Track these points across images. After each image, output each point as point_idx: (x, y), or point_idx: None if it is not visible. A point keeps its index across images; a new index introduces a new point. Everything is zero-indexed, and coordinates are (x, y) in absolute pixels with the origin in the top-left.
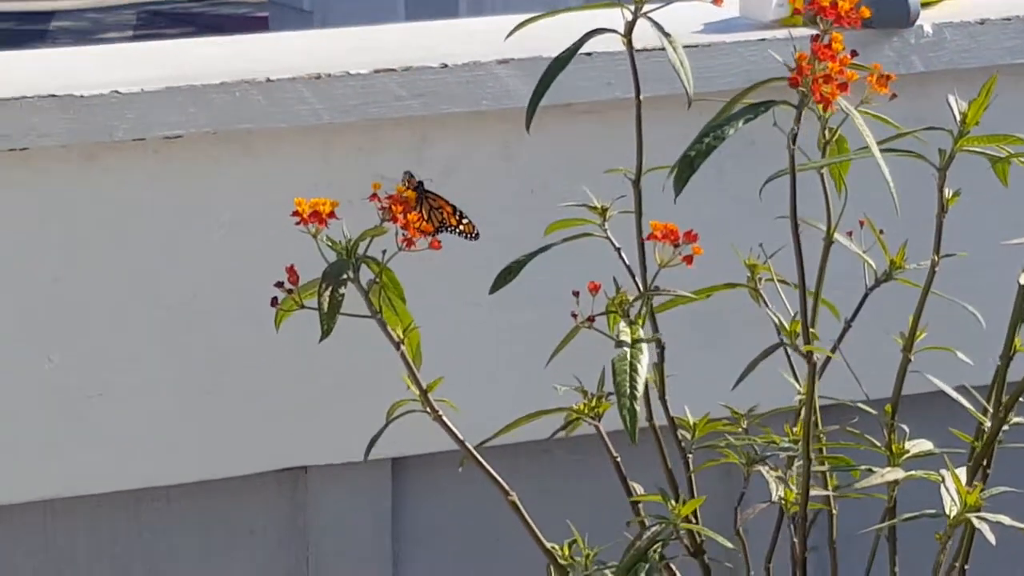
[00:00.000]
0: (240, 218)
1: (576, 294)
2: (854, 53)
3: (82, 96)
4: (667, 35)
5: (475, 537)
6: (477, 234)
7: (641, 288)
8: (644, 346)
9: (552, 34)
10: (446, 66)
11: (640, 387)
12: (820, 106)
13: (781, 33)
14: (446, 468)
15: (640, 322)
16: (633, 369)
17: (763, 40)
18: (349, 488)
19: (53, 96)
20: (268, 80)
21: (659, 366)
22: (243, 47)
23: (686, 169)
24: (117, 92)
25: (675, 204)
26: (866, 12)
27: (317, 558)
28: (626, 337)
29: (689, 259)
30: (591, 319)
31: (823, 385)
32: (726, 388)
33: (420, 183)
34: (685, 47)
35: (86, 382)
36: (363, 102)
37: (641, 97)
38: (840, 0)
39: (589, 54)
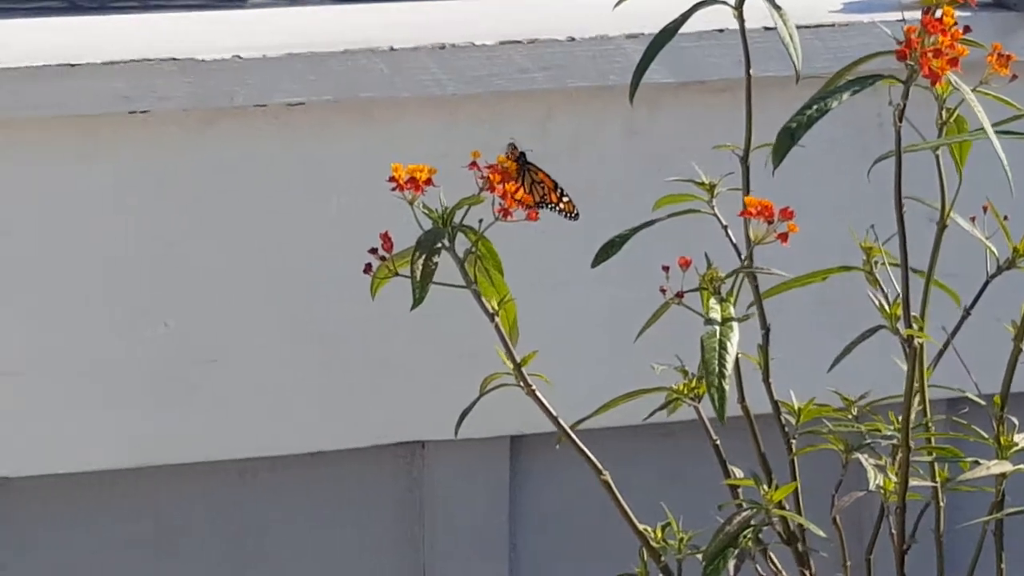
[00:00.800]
0: (360, 187)
1: (666, 269)
2: (967, 28)
3: (203, 60)
4: (777, 8)
5: (592, 517)
6: (577, 214)
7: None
8: (735, 324)
9: (682, 8)
10: (573, 39)
11: (729, 366)
12: (933, 84)
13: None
14: (565, 447)
15: (731, 300)
16: (722, 347)
17: (902, 20)
18: (466, 464)
19: (174, 59)
20: (391, 49)
21: (764, 348)
22: (366, 16)
23: (786, 141)
24: (238, 57)
25: (805, 183)
26: None
27: (431, 534)
28: (716, 315)
29: (784, 237)
30: (680, 295)
31: (938, 376)
32: (837, 374)
33: (522, 154)
34: (820, 26)
35: (200, 349)
36: (488, 74)
37: (776, 75)
38: None
39: (721, 31)
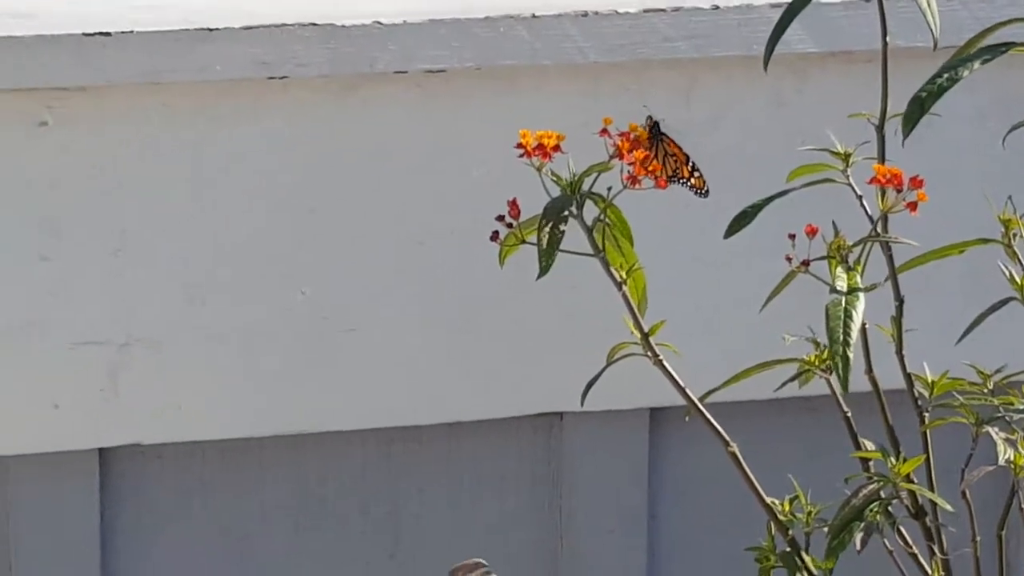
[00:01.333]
0: (502, 155)
1: (792, 237)
2: None
3: (343, 26)
4: None
5: (732, 491)
6: (707, 191)
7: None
8: (861, 294)
9: None
10: (717, 8)
11: (854, 334)
12: None
13: None
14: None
15: (859, 269)
16: (848, 316)
17: None
18: (606, 436)
19: (314, 24)
20: (533, 16)
21: (897, 320)
22: None
23: (916, 110)
24: (379, 23)
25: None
26: None
27: (569, 506)
28: (842, 284)
29: (913, 206)
30: (805, 263)
31: None
32: (978, 348)
33: (656, 124)
34: None
35: (338, 317)
36: (631, 42)
37: (924, 46)
38: None
39: (869, 0)
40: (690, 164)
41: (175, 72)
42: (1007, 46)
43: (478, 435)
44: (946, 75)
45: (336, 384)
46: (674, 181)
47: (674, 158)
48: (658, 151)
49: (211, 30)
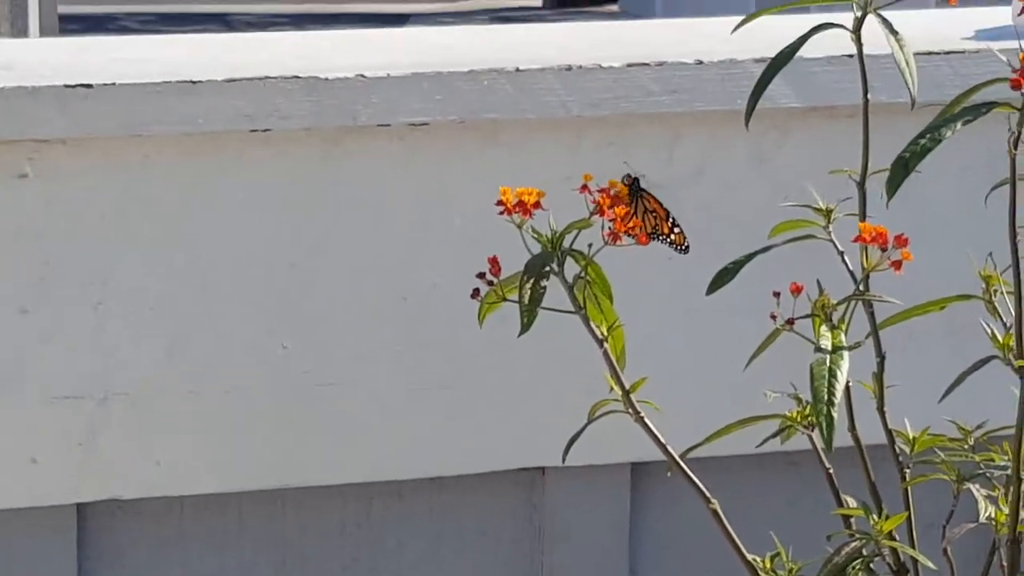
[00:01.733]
0: (484, 209)
1: (777, 295)
2: None
3: (326, 79)
4: (894, 33)
5: (714, 547)
6: (687, 247)
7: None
8: (845, 353)
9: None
10: (701, 63)
11: (838, 394)
12: None
13: None
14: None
15: (843, 327)
16: (832, 375)
17: (1019, 48)
18: (587, 491)
19: (297, 77)
20: (517, 70)
21: (878, 376)
22: (492, 37)
23: (900, 172)
24: (362, 76)
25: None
26: None
27: (551, 562)
28: (827, 342)
29: (897, 264)
30: (790, 322)
31: None
32: (959, 404)
33: (636, 180)
34: (951, 52)
35: (319, 371)
36: (614, 96)
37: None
38: None
39: (850, 56)
40: (670, 220)
41: (157, 124)
42: (989, 106)
43: (460, 490)
44: (929, 136)
45: (316, 439)
46: (654, 237)
47: (654, 214)
48: (638, 207)
49: (194, 82)
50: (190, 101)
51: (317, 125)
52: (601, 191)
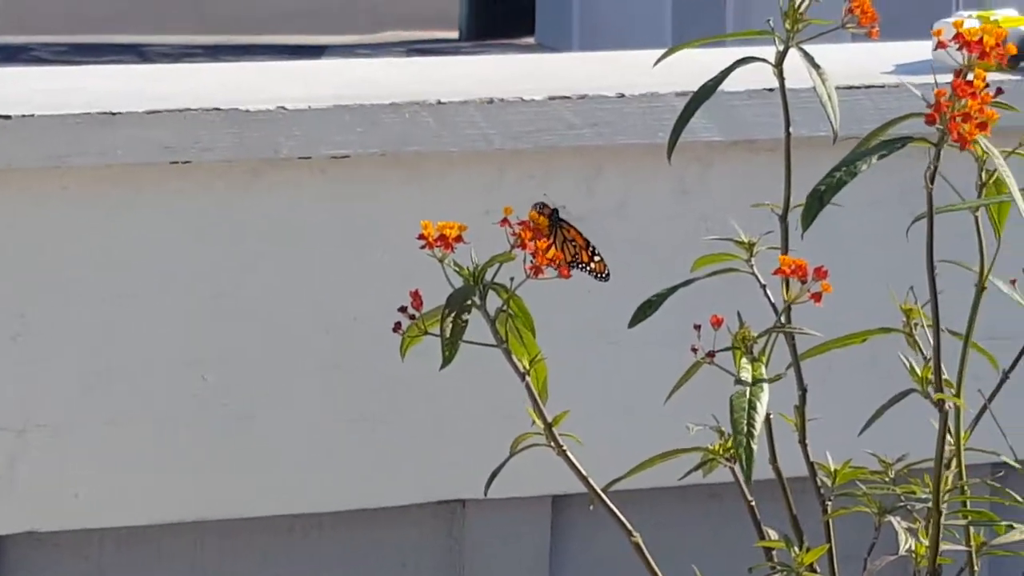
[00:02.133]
0: (407, 242)
1: (698, 328)
2: (999, 91)
3: (248, 111)
4: (816, 67)
5: None
6: (608, 275)
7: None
8: (765, 385)
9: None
10: (623, 96)
11: (758, 426)
12: (963, 148)
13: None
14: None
15: (764, 360)
16: (752, 407)
17: (933, 83)
18: (508, 524)
19: (218, 109)
20: (439, 102)
21: (800, 409)
22: (414, 69)
23: (815, 205)
24: (284, 108)
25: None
26: (1012, 49)
27: None
28: (747, 375)
29: (817, 296)
30: (711, 355)
31: (982, 440)
32: (881, 437)
33: (555, 211)
34: (872, 87)
35: (239, 403)
36: (536, 129)
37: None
38: (986, 34)
39: (771, 90)
40: (590, 249)
41: (77, 156)
42: (904, 140)
43: (380, 522)
44: (844, 169)
45: (237, 471)
46: (574, 266)
47: (573, 243)
48: (557, 237)
49: (114, 114)
50: (110, 133)
51: (238, 157)
52: (522, 224)
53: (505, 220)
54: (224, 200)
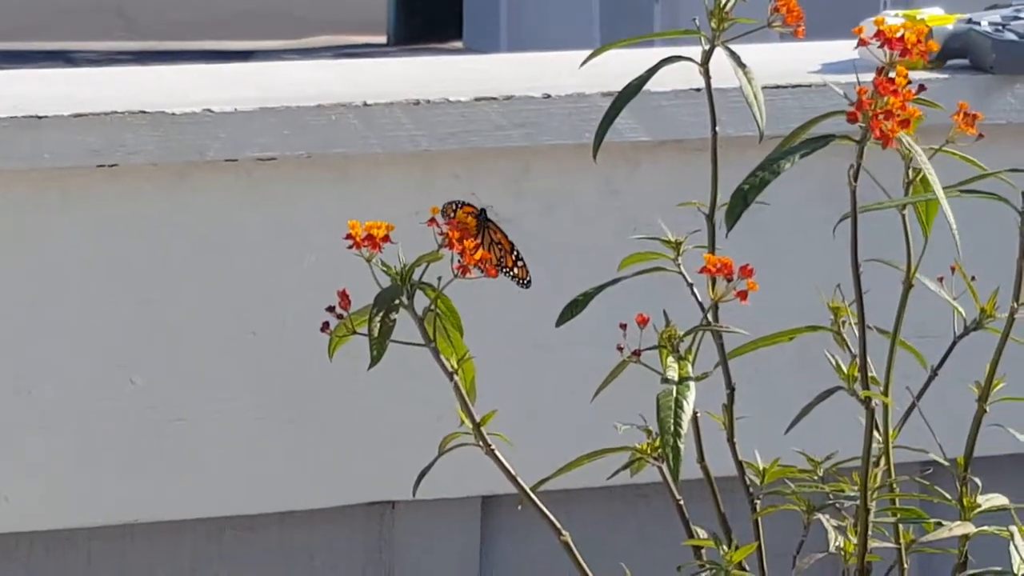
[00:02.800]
0: (333, 244)
1: (623, 327)
2: (921, 88)
3: (173, 114)
4: (742, 66)
5: None
6: (529, 281)
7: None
8: (692, 383)
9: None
10: (549, 96)
11: (685, 425)
12: (885, 146)
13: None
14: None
15: (690, 358)
16: (679, 406)
17: (856, 81)
18: (438, 525)
19: (144, 112)
20: (365, 104)
21: (728, 408)
22: (340, 71)
23: (739, 204)
24: (209, 111)
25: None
26: (934, 46)
27: None
28: (673, 373)
29: (743, 295)
30: (636, 353)
31: (912, 438)
32: (808, 435)
33: (483, 211)
34: (798, 86)
35: (169, 406)
36: (463, 130)
37: (754, 135)
38: (907, 32)
39: (698, 90)
40: (515, 253)
41: (2, 160)
42: (827, 139)
43: (310, 524)
44: (768, 169)
45: (165, 473)
46: (498, 270)
47: (499, 246)
48: (484, 238)
49: (40, 117)
50: (36, 136)
51: (164, 160)
52: (450, 223)
53: (433, 220)
54: (151, 203)
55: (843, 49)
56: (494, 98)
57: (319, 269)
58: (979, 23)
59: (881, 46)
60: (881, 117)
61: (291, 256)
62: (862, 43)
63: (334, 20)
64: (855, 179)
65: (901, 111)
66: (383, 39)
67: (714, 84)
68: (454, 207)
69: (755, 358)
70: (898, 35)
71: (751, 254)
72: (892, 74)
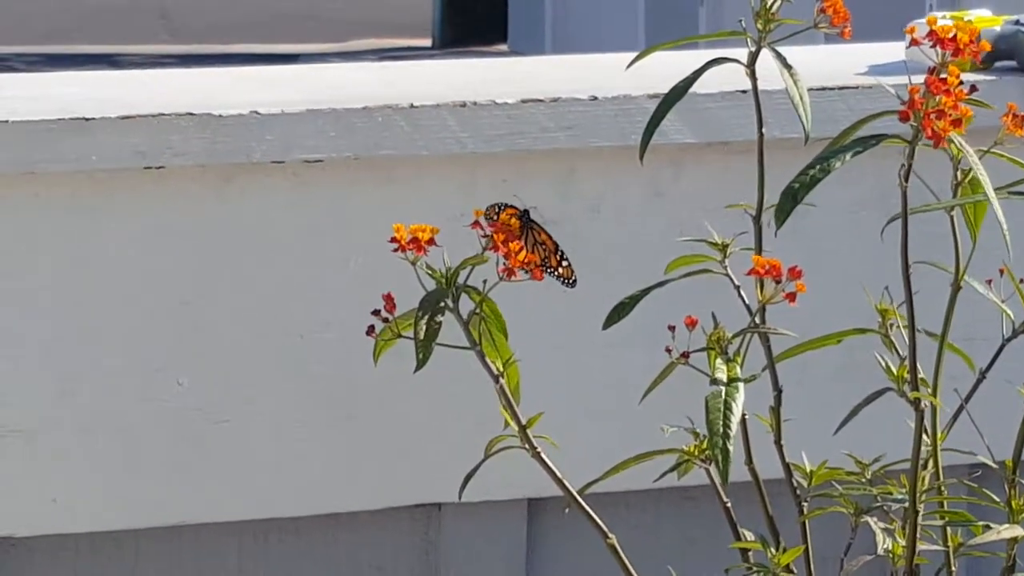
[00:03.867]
0: (380, 246)
1: (672, 329)
2: (973, 88)
3: (220, 116)
4: (788, 68)
5: None
6: (575, 281)
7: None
8: (741, 385)
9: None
10: (595, 98)
11: (734, 426)
12: (936, 146)
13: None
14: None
15: (738, 360)
16: (728, 408)
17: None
18: (484, 527)
19: (191, 114)
20: (411, 106)
21: (775, 410)
22: (386, 73)
23: (788, 202)
24: (256, 113)
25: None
26: (986, 46)
27: None
28: (722, 375)
29: (792, 296)
30: (685, 355)
31: (959, 440)
32: (856, 438)
33: (526, 211)
34: (845, 88)
35: (215, 408)
36: (509, 132)
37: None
38: (959, 31)
39: (744, 91)
40: (559, 253)
41: (50, 162)
42: (878, 138)
43: (355, 526)
44: (818, 167)
45: (212, 475)
46: (543, 270)
47: (543, 247)
48: (528, 240)
49: (87, 120)
50: (83, 139)
51: (211, 162)
52: (494, 226)
53: (476, 223)
54: (197, 205)
55: (889, 51)
56: (541, 100)
57: (365, 272)
58: None
59: (933, 46)
60: (933, 117)
61: (337, 259)
62: (914, 43)
63: (377, 23)
64: (906, 179)
65: (953, 111)
66: (427, 42)
67: (761, 86)
68: (497, 209)
69: (801, 360)
70: (951, 35)
71: (797, 257)
72: (944, 74)
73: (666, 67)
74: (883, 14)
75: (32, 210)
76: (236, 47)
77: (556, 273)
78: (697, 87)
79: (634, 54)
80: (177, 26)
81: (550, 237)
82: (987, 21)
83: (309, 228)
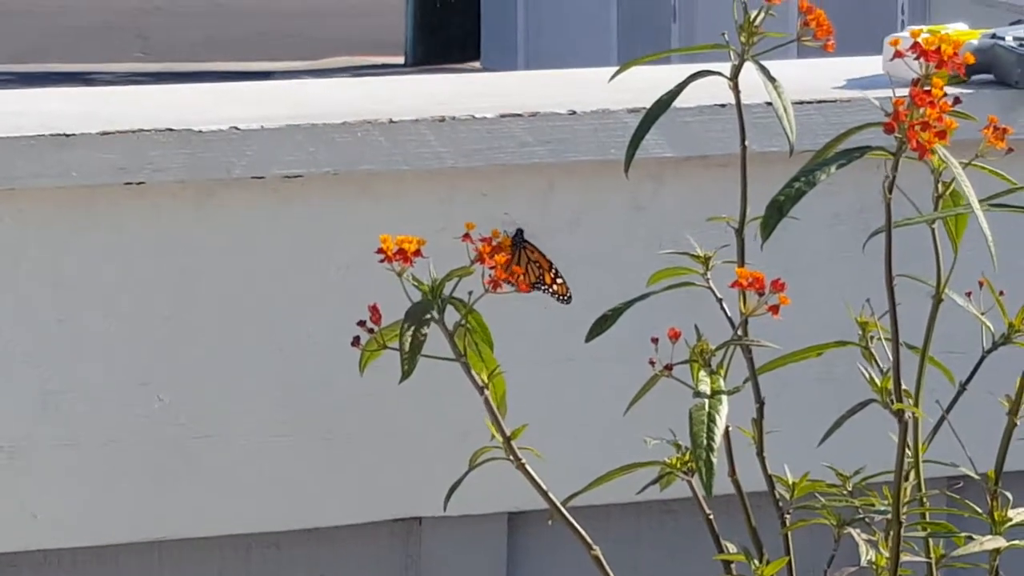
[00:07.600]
0: (359, 260)
1: (655, 341)
2: (956, 100)
3: (200, 131)
4: (772, 81)
5: None
6: (569, 297)
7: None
8: (724, 397)
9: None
10: (574, 113)
11: (717, 438)
12: (921, 157)
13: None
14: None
15: (722, 372)
16: (711, 420)
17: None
18: (464, 541)
19: (171, 130)
20: (391, 121)
21: (758, 422)
22: (366, 88)
23: (774, 215)
24: (236, 128)
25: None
26: (970, 59)
27: None
28: (705, 387)
29: (775, 309)
30: (668, 368)
31: (940, 452)
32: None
33: (519, 231)
34: (823, 101)
35: (196, 423)
36: (488, 147)
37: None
38: (944, 44)
39: (723, 105)
40: (553, 271)
41: (31, 178)
42: (863, 150)
43: (337, 540)
44: (803, 179)
45: (193, 490)
46: (538, 288)
47: (537, 265)
48: (520, 258)
49: (68, 136)
50: (64, 154)
51: (191, 178)
52: (482, 239)
53: (467, 235)
54: (177, 220)
55: (865, 65)
56: (519, 115)
57: (345, 286)
58: (1004, 38)
59: (917, 58)
60: (918, 128)
61: (317, 273)
62: (898, 55)
63: (350, 41)
64: (889, 191)
65: (938, 122)
66: (400, 59)
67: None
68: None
69: (781, 373)
70: (935, 48)
71: (778, 270)
72: (928, 86)
73: (642, 81)
74: (855, 29)
75: (15, 225)
76: (210, 65)
77: (551, 290)
78: (676, 101)
79: (610, 69)
80: (150, 44)
81: (543, 255)
82: (964, 35)
83: (289, 242)
